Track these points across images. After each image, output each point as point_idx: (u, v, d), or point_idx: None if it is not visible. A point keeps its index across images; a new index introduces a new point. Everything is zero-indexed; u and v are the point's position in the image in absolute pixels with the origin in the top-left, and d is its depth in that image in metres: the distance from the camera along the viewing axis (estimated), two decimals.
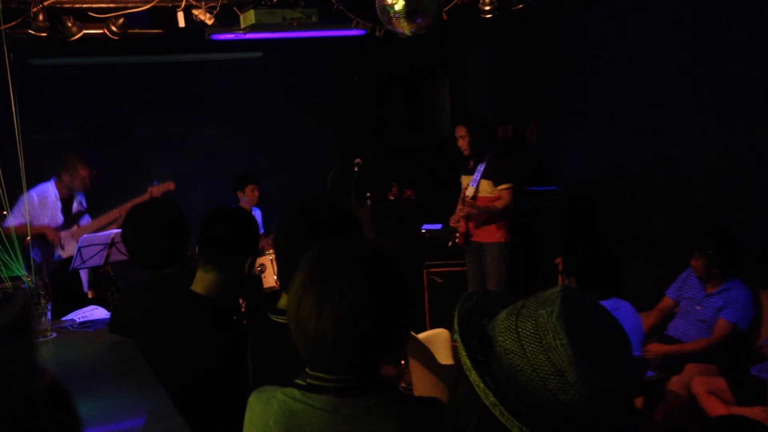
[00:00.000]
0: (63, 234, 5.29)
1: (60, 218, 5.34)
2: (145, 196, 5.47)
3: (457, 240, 5.47)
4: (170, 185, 5.57)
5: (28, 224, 4.97)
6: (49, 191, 5.25)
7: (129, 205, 5.34)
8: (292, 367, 1.46)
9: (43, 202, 5.20)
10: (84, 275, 5.47)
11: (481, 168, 5.33)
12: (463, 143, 5.36)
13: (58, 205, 5.35)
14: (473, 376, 1.00)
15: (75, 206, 5.44)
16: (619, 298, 4.32)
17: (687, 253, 4.44)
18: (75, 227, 5.36)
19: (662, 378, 4.12)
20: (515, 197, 5.39)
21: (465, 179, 5.52)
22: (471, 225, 5.42)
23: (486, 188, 5.35)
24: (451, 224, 5.52)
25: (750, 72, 4.46)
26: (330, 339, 1.33)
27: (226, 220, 2.42)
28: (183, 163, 6.52)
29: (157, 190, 5.53)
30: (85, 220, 5.45)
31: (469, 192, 5.36)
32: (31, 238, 4.66)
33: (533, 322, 1.00)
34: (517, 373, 0.99)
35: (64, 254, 5.31)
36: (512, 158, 6.04)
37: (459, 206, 5.46)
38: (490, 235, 5.37)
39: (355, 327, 1.33)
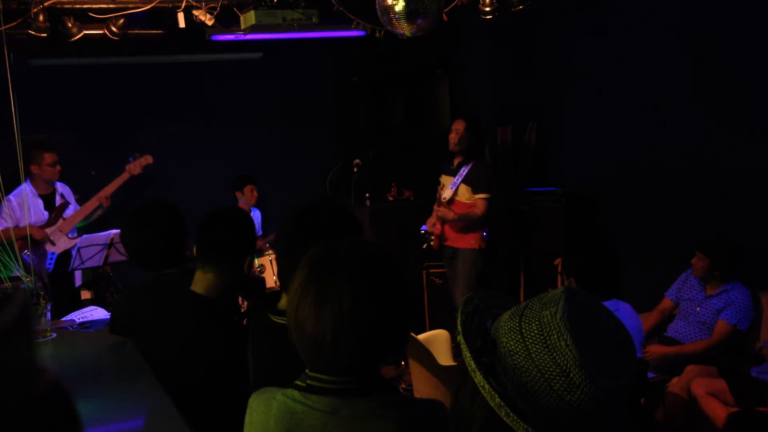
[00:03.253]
0: (49, 230, 5.28)
1: (44, 215, 5.34)
2: (125, 176, 5.53)
3: (432, 243, 5.37)
4: (148, 159, 5.60)
5: (33, 228, 4.97)
6: (25, 191, 5.24)
7: (110, 187, 5.44)
8: (293, 367, 1.46)
9: (21, 203, 5.19)
10: (78, 275, 5.48)
11: (463, 172, 5.21)
12: (455, 137, 5.24)
13: (39, 202, 5.35)
14: (478, 378, 1.00)
15: (58, 200, 5.44)
16: (618, 299, 4.33)
17: (687, 254, 4.44)
18: (60, 220, 5.36)
19: (662, 379, 4.13)
20: (490, 209, 5.25)
21: (445, 179, 5.39)
22: (446, 228, 5.33)
23: (464, 193, 5.23)
24: (428, 228, 5.40)
25: (750, 72, 4.46)
26: (329, 340, 1.33)
27: (224, 220, 2.42)
28: (182, 164, 6.52)
29: (134, 167, 5.55)
30: (70, 210, 5.45)
31: (447, 194, 5.24)
32: (20, 240, 4.63)
33: (537, 322, 1.00)
34: (521, 374, 0.99)
35: (58, 249, 5.30)
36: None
37: (435, 207, 5.33)
38: (464, 241, 5.26)
39: (354, 328, 1.33)
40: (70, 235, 5.37)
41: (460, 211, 5.19)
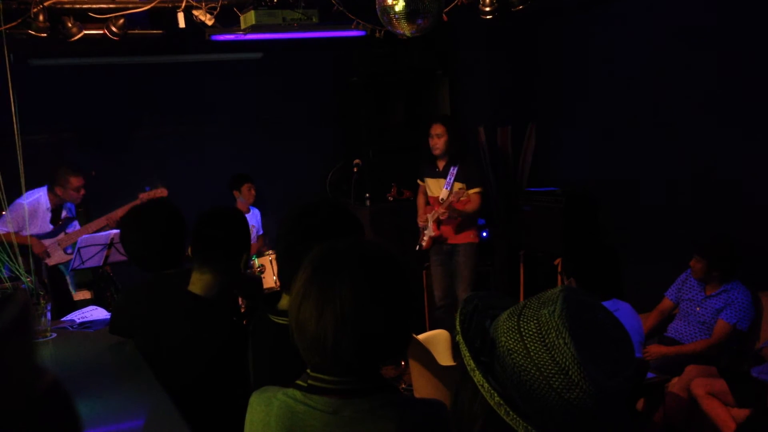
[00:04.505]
0: (48, 242, 5.24)
1: (48, 227, 5.30)
2: (135, 203, 5.40)
3: (423, 243, 5.39)
4: (163, 191, 5.43)
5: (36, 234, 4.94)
6: (41, 202, 5.19)
7: (118, 212, 5.27)
8: (293, 367, 1.46)
9: (33, 213, 5.14)
10: (70, 279, 5.45)
11: (453, 171, 5.24)
12: (438, 142, 5.24)
13: (48, 215, 5.30)
14: (477, 377, 1.01)
15: (63, 213, 5.41)
16: (618, 299, 4.33)
17: (686, 254, 4.44)
18: (62, 234, 5.32)
19: (662, 380, 4.12)
20: (484, 201, 5.37)
21: (431, 182, 5.43)
22: (444, 228, 5.34)
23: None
24: (420, 224, 5.45)
25: (751, 73, 4.46)
26: (330, 340, 1.33)
27: (216, 220, 2.42)
28: (183, 164, 6.52)
29: (147, 196, 5.43)
30: (73, 226, 5.41)
31: (443, 194, 5.28)
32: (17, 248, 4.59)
33: (536, 321, 1.01)
34: (521, 373, 0.99)
35: (51, 262, 5.27)
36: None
37: (432, 207, 5.36)
38: (465, 236, 5.32)
39: (355, 328, 1.33)
40: (67, 251, 5.33)
41: (458, 208, 5.24)
